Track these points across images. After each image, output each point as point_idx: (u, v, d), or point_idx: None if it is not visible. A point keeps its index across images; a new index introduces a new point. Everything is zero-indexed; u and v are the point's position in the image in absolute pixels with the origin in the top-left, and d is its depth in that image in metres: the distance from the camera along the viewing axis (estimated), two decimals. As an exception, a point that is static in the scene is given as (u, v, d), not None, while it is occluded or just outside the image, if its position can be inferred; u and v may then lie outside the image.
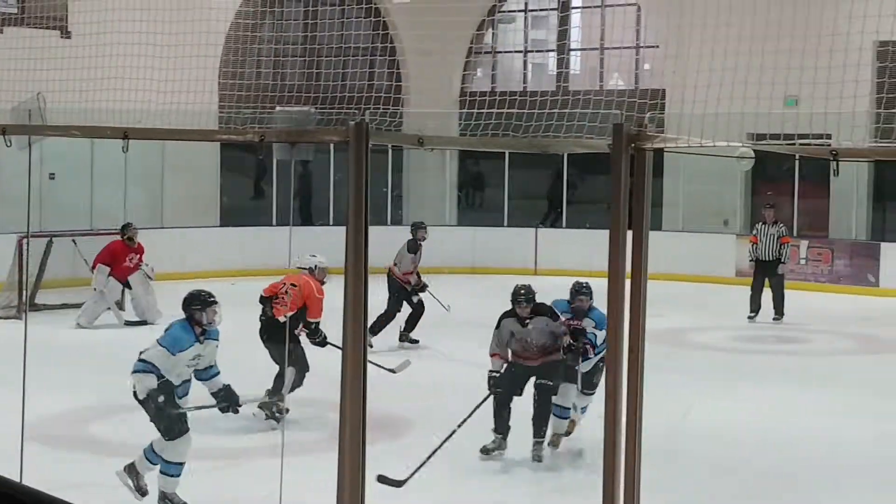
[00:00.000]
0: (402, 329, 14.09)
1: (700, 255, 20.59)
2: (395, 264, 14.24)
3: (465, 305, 15.61)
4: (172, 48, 10.37)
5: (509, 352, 9.24)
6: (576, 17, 25.38)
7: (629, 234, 4.65)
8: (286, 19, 18.64)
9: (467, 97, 22.85)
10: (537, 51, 26.42)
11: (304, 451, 7.61)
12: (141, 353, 7.80)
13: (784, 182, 21.10)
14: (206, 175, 21.47)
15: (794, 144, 7.44)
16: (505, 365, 9.18)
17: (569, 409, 9.35)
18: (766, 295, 16.34)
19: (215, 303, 7.96)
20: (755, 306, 16.38)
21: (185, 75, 10.23)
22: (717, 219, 21.41)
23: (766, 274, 16.38)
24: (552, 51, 25.39)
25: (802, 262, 19.97)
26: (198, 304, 7.89)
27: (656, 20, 21.84)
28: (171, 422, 7.72)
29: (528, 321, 9.09)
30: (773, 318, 16.27)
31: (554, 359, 9.12)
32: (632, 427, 4.49)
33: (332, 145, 14.71)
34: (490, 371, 9.12)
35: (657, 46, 21.83)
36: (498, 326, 9.21)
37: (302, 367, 10.26)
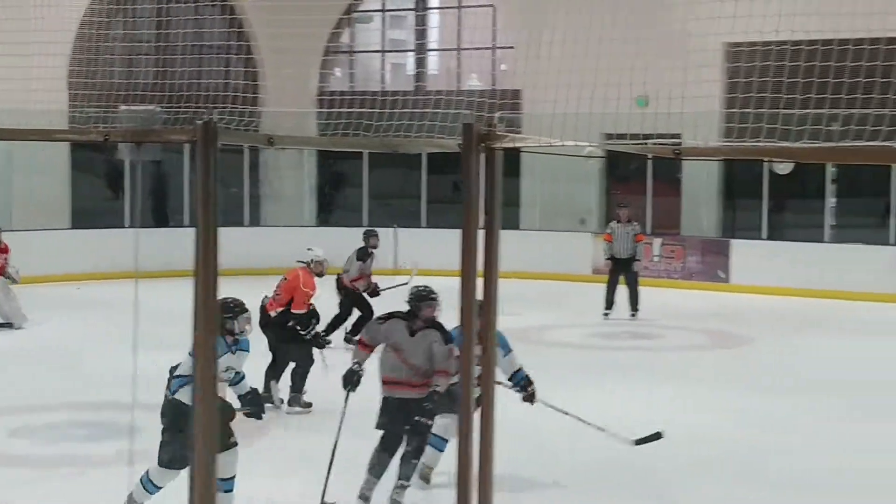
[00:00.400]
0: (347, 331, 14.09)
1: (557, 254, 20.86)
2: (344, 271, 14.46)
3: (324, 308, 15.46)
4: (19, 46, 10.04)
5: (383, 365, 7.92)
6: (434, 18, 25.46)
7: (481, 233, 4.66)
8: (138, 17, 18.24)
9: (325, 97, 22.70)
10: (395, 51, 26.41)
11: (151, 459, 7.42)
12: (172, 369, 7.32)
13: (637, 181, 21.52)
14: (55, 176, 20.86)
15: (644, 144, 7.55)
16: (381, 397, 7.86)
17: (447, 441, 8.16)
18: (622, 292, 16.64)
19: (247, 311, 7.66)
20: (610, 303, 16.69)
21: (32, 74, 9.93)
22: (574, 218, 21.72)
23: (622, 271, 16.71)
24: (410, 51, 25.42)
25: (656, 259, 20.39)
26: (229, 314, 7.50)
27: (512, 20, 22.04)
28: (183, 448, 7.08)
29: (417, 332, 7.87)
30: (630, 315, 16.58)
31: (434, 389, 7.81)
32: (486, 421, 4.50)
33: (187, 145, 14.47)
34: (353, 362, 7.98)
35: (513, 47, 22.02)
36: (382, 321, 8.07)
37: (301, 362, 10.63)
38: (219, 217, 4.26)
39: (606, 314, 16.66)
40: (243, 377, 7.75)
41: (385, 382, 7.85)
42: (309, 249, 11.36)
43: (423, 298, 7.98)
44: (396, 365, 7.83)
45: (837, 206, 20.34)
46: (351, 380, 7.92)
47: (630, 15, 9.84)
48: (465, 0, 23.66)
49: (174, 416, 7.11)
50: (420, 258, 19.98)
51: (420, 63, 24.24)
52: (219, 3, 16.76)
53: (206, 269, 4.28)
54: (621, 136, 8.62)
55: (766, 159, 11.82)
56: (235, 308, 7.57)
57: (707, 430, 10.11)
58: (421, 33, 23.93)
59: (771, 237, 20.48)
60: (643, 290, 16.89)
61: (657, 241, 20.57)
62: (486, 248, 4.50)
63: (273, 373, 10.78)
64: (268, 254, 20.60)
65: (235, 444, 7.28)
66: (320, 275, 11.41)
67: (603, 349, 14.47)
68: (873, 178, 19.81)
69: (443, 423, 8.06)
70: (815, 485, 8.68)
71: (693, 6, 9.75)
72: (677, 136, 9.16)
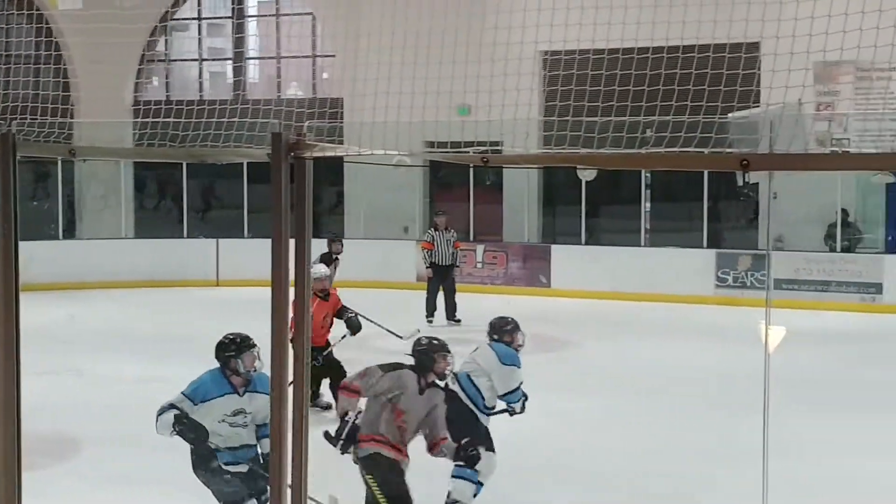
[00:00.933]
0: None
1: (382, 262, 20.84)
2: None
3: (141, 318, 15.12)
4: None
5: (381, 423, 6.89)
6: (252, 26, 25.16)
7: (292, 242, 4.60)
8: (-61, 24, 17.45)
9: (141, 106, 22.15)
10: (212, 59, 26.00)
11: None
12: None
13: (460, 188, 21.69)
14: None
15: (467, 153, 7.58)
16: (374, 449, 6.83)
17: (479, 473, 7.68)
18: (443, 299, 16.79)
19: (253, 346, 6.81)
20: (432, 310, 16.81)
21: None
22: (398, 226, 21.75)
23: (442, 279, 16.84)
24: (228, 59, 25.05)
25: (479, 265, 20.58)
26: (230, 352, 6.83)
27: (332, 28, 21.94)
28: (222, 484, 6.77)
29: (426, 389, 6.97)
30: (450, 322, 16.69)
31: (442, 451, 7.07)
32: (298, 438, 4.44)
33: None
34: (342, 413, 6.99)
35: (334, 55, 21.93)
36: (386, 370, 7.07)
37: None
38: (20, 230, 4.06)
39: (430, 321, 16.73)
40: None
41: (369, 440, 6.84)
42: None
43: (437, 349, 7.12)
44: (389, 422, 6.87)
45: (653, 211, 20.90)
46: (348, 436, 6.83)
47: (449, 22, 9.85)
48: (284, 7, 23.46)
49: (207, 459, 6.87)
50: (242, 269, 19.72)
51: (239, 71, 23.90)
52: (26, 12, 16.14)
53: (6, 283, 4.07)
54: (444, 144, 8.65)
55: (576, 167, 12.05)
56: (239, 344, 6.85)
57: (528, 433, 10.19)
58: (239, 41, 23.62)
59: (590, 242, 20.91)
60: (467, 297, 17.03)
61: (480, 248, 20.76)
62: (296, 257, 4.43)
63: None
64: (84, 267, 20.05)
65: (248, 494, 6.75)
66: (324, 295, 10.77)
67: (429, 357, 14.46)
68: (687, 184, 20.42)
69: (485, 463, 7.58)
70: (632, 484, 8.85)
71: (511, 14, 9.82)
72: (498, 143, 9.18)
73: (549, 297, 19.58)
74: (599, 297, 19.02)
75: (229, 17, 24.21)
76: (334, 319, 11.24)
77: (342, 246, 15.06)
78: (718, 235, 20.53)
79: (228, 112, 7.42)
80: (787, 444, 7.83)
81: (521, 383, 8.10)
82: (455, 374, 7.84)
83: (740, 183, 17.55)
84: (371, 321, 12.23)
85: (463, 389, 7.92)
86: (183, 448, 6.92)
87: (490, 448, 7.84)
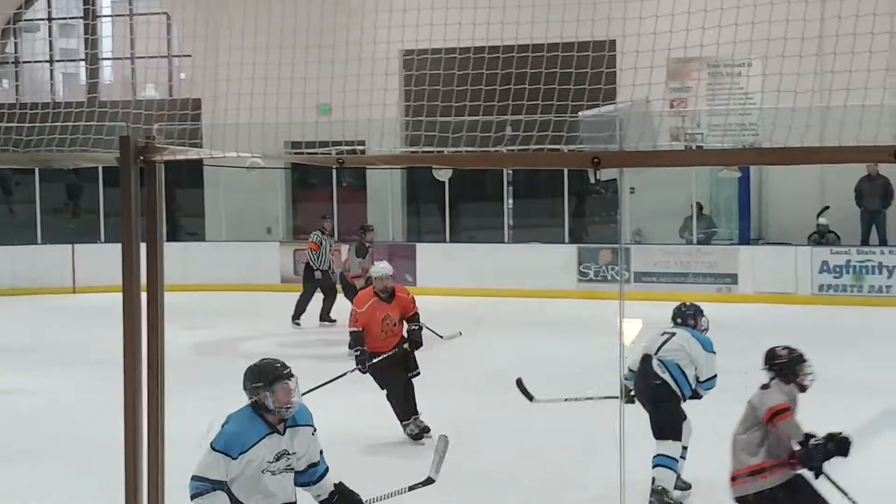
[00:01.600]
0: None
1: (246, 264, 20.64)
2: (346, 270, 14.55)
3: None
4: None
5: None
6: (107, 27, 24.64)
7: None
8: None
9: (-9, 109, 21.51)
10: (64, 60, 25.39)
11: None
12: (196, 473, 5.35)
13: (323, 189, 21.61)
14: None
15: (329, 153, 7.55)
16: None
17: (677, 460, 7.90)
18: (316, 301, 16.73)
19: (289, 377, 5.45)
20: (301, 312, 16.70)
21: None
22: (261, 227, 21.57)
23: (323, 281, 16.73)
24: (81, 60, 24.49)
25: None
26: (257, 382, 5.43)
27: (190, 28, 21.63)
28: None
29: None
30: (323, 323, 16.64)
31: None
32: (154, 446, 4.39)
33: None
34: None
35: (190, 56, 21.62)
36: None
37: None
38: None
39: (297, 323, 16.66)
40: (324, 473, 5.61)
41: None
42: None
43: (798, 361, 6.68)
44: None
45: (515, 207, 21.14)
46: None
47: (310, 22, 9.81)
48: (138, 7, 23.03)
49: None
50: (99, 275, 19.30)
51: (93, 73, 23.38)
52: None
53: None
54: (309, 145, 8.62)
55: (432, 166, 12.12)
56: (271, 372, 5.46)
57: (396, 429, 10.21)
58: (92, 42, 23.08)
59: (454, 239, 21.05)
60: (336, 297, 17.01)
61: (345, 248, 20.70)
62: (148, 261, 4.36)
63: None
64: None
65: None
66: (386, 296, 10.30)
67: (297, 358, 14.34)
68: (549, 180, 20.71)
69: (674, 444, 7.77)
70: (499, 476, 8.94)
71: (372, 14, 9.84)
72: (362, 143, 9.21)
73: (415, 295, 19.60)
74: (465, 294, 19.15)
75: (81, 18, 23.67)
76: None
77: (374, 234, 15.47)
78: (580, 230, 20.88)
79: (75, 116, 7.25)
80: (644, 432, 8.00)
81: None
82: (662, 362, 8.01)
83: (592, 180, 17.87)
84: (432, 330, 11.65)
85: (674, 379, 8.03)
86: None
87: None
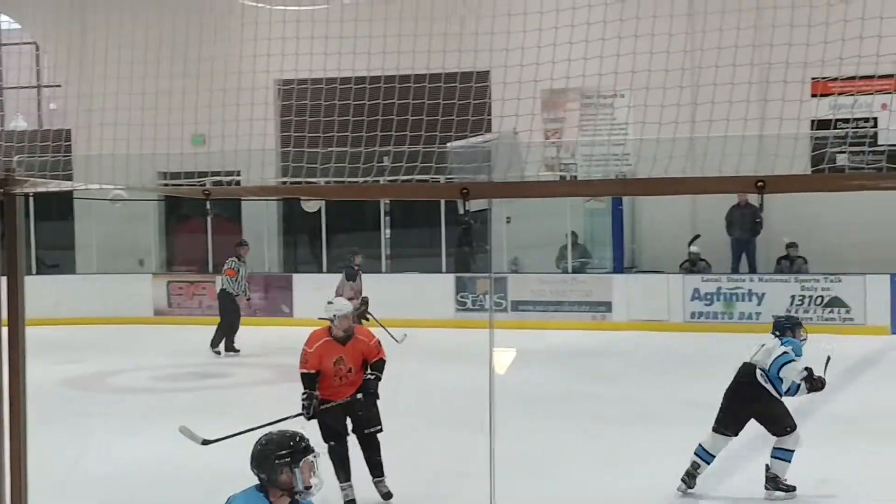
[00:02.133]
0: None
1: (118, 297, 20.25)
2: (338, 294, 14.14)
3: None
4: None
5: None
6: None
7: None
8: None
9: None
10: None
11: None
12: None
13: (197, 220, 21.35)
14: None
15: (202, 184, 7.48)
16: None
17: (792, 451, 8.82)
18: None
19: (311, 453, 4.81)
20: (220, 340, 16.70)
21: None
22: (133, 259, 21.21)
23: (234, 308, 16.79)
24: (-54, 90, 23.81)
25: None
26: (285, 455, 4.72)
27: (59, 58, 21.23)
28: None
29: None
30: (229, 352, 16.67)
31: None
32: (17, 482, 4.27)
33: None
34: None
35: (59, 86, 21.23)
36: None
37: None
38: None
39: (218, 352, 16.69)
40: None
41: None
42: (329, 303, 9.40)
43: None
44: None
45: (393, 237, 21.16)
46: None
47: (183, 53, 9.72)
48: (6, 37, 22.52)
49: None
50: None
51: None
52: None
53: None
54: (185, 175, 8.52)
55: (300, 198, 12.03)
56: (297, 444, 4.79)
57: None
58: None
59: (331, 270, 20.95)
60: (210, 329, 16.81)
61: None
62: (8, 295, 4.25)
63: None
64: None
65: None
66: (344, 337, 9.05)
67: (170, 391, 14.14)
68: (426, 210, 20.78)
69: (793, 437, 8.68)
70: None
71: (245, 44, 9.79)
72: (238, 173, 9.14)
73: (292, 327, 19.48)
74: (342, 325, 19.04)
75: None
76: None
77: (361, 258, 15.87)
78: (458, 260, 20.98)
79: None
80: (515, 459, 8.05)
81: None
82: (760, 368, 8.91)
83: (461, 211, 17.96)
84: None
85: (770, 382, 8.88)
86: None
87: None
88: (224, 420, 12.09)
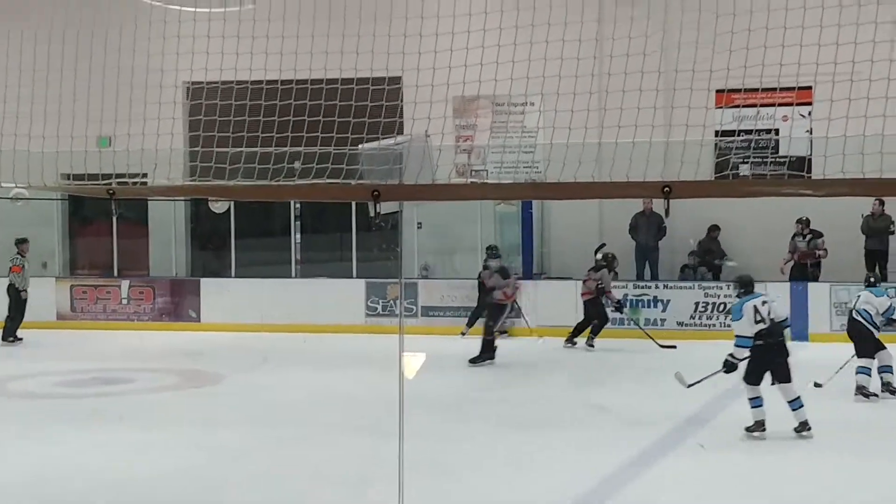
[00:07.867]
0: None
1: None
2: (504, 294, 15.79)
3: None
4: None
5: None
6: None
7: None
8: None
9: None
10: None
11: None
12: None
13: (102, 222, 21.01)
14: None
15: (109, 184, 7.34)
16: None
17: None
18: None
19: None
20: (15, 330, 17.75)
21: None
22: (36, 262, 20.79)
23: (18, 301, 17.99)
24: None
25: (125, 301, 20.03)
26: None
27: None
28: None
29: None
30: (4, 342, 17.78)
31: None
32: None
33: None
34: None
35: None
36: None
37: None
38: None
39: (20, 339, 17.55)
40: None
41: None
42: None
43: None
44: None
45: (303, 242, 21.02)
46: None
47: (92, 50, 9.54)
48: None
49: None
50: None
51: None
52: None
53: None
54: (89, 177, 8.35)
55: (208, 198, 11.89)
56: None
57: (182, 467, 9.97)
58: None
59: (240, 274, 20.78)
60: (114, 334, 16.60)
61: (125, 283, 20.20)
62: None
63: None
64: None
65: None
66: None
67: (70, 398, 13.89)
68: (337, 215, 20.68)
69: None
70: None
71: (152, 42, 9.63)
72: (144, 175, 8.98)
73: (199, 332, 19.28)
74: (250, 330, 18.91)
75: None
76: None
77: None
78: (368, 265, 20.90)
79: None
80: (424, 463, 8.04)
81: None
82: (857, 310, 12.52)
83: (372, 213, 17.87)
84: None
85: (865, 319, 12.49)
86: None
87: None
88: (127, 424, 11.95)
